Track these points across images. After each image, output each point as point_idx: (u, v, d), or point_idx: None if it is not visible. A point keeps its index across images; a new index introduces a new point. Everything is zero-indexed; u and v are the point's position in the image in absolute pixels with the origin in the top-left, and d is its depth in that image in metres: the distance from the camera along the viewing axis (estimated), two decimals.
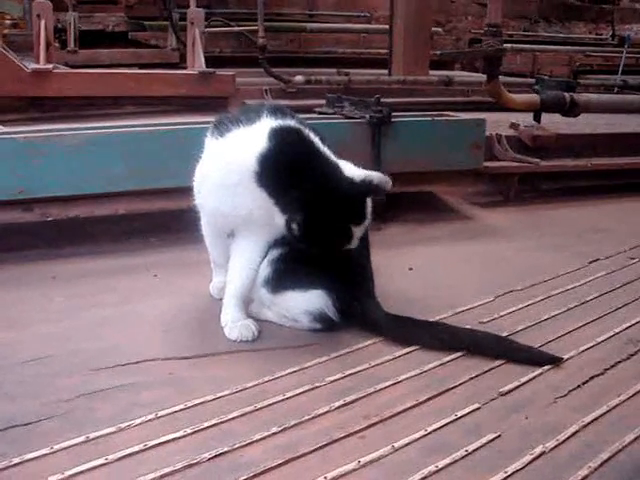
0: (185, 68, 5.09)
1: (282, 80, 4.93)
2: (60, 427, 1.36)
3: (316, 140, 1.74)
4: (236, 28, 6.42)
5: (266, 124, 1.71)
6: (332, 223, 1.67)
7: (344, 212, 1.69)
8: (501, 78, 3.66)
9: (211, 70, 4.59)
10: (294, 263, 1.75)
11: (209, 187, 1.77)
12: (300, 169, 1.67)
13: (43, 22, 4.65)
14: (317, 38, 7.12)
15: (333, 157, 1.75)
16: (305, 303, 1.78)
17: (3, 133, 2.55)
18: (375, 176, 1.72)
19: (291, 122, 1.75)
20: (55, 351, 1.68)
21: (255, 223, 1.73)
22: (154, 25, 6.53)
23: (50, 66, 4.33)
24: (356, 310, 1.80)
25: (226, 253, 1.86)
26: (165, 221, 2.53)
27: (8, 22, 6.47)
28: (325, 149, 1.74)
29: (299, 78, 4.88)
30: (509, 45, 6.56)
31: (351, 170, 1.74)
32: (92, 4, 6.61)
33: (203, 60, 4.74)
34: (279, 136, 1.69)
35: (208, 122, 1.88)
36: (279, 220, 1.69)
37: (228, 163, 1.72)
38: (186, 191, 1.89)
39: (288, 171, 1.66)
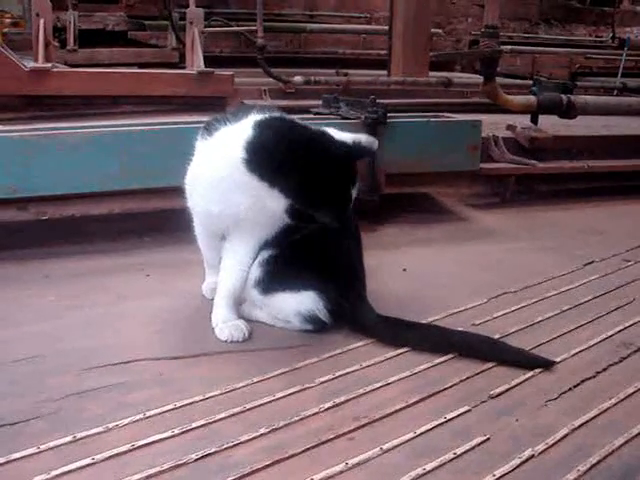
0: (184, 68, 5.10)
1: (281, 80, 4.93)
2: (48, 427, 1.36)
3: (299, 120, 1.75)
4: (236, 28, 6.42)
5: (251, 119, 1.71)
6: (337, 189, 1.68)
7: (345, 175, 1.70)
8: (501, 80, 3.66)
9: (210, 70, 4.59)
10: (285, 264, 1.75)
11: (199, 189, 1.77)
12: (291, 144, 1.65)
13: (42, 21, 4.65)
14: (317, 39, 7.13)
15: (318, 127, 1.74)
16: (296, 304, 1.77)
17: None
18: (362, 137, 1.75)
19: (275, 113, 1.75)
20: (46, 350, 1.68)
21: (246, 223, 1.73)
22: (154, 25, 6.54)
23: (49, 65, 4.33)
24: (347, 311, 1.80)
25: (219, 254, 1.85)
26: (160, 221, 2.53)
27: (8, 21, 6.47)
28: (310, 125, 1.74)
29: (298, 79, 4.87)
30: (509, 47, 6.57)
31: (339, 134, 1.74)
32: (92, 3, 6.62)
33: (202, 60, 4.73)
34: (263, 123, 1.68)
35: (205, 122, 1.88)
36: (277, 205, 1.66)
37: (216, 159, 1.71)
38: (181, 191, 1.88)
39: (278, 148, 1.64)
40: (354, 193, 1.72)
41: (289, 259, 1.73)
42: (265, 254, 1.76)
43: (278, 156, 1.64)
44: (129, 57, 5.92)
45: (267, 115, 1.72)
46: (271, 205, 1.67)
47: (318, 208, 1.66)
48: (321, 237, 1.73)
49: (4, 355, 1.65)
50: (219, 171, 1.69)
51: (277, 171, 1.64)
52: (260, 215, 1.70)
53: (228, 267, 1.80)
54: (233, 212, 1.72)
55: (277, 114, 1.75)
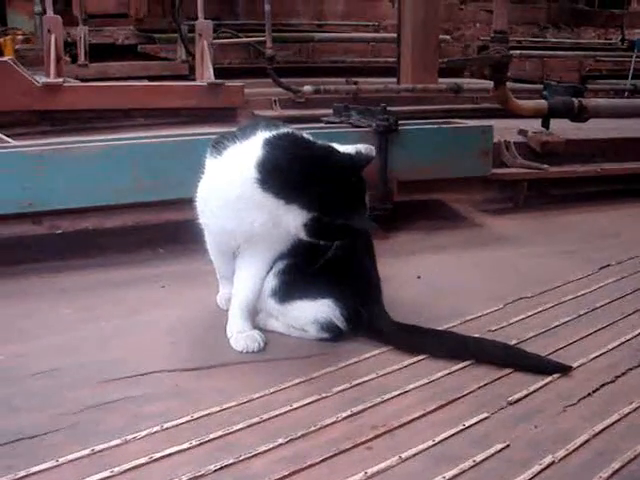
0: (194, 80, 5.13)
1: (291, 90, 4.95)
2: (66, 440, 1.36)
3: (307, 135, 1.76)
4: (244, 39, 6.46)
5: (260, 136, 1.71)
6: (355, 197, 1.70)
7: (358, 183, 1.71)
8: (511, 85, 3.65)
9: (220, 81, 4.62)
10: (301, 274, 1.75)
11: (212, 207, 1.77)
12: (303, 160, 1.67)
13: (53, 37, 4.70)
14: (325, 48, 7.15)
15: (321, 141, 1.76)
16: (313, 313, 1.77)
17: (12, 146, 2.57)
18: (361, 147, 1.76)
19: (283, 129, 1.76)
20: (63, 363, 1.68)
21: (260, 238, 1.73)
22: (163, 38, 6.59)
23: (60, 80, 4.38)
24: (364, 319, 1.79)
25: (232, 267, 1.86)
26: (174, 232, 2.53)
27: (20, 37, 6.54)
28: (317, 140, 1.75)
29: (308, 88, 4.89)
30: (518, 51, 6.57)
31: (341, 147, 1.75)
32: (102, 18, 6.67)
33: (212, 71, 4.77)
34: (272, 142, 1.70)
35: (217, 133, 1.88)
36: (295, 220, 1.66)
37: (227, 178, 1.72)
38: (194, 202, 1.89)
39: (291, 165, 1.66)
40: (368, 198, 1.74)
41: (305, 268, 1.73)
42: (281, 264, 1.76)
43: (293, 172, 1.65)
44: (139, 70, 5.97)
45: (275, 132, 1.73)
46: (287, 221, 1.68)
47: (347, 216, 1.67)
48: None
49: (22, 369, 1.65)
50: (232, 191, 1.70)
51: (294, 187, 1.65)
52: (274, 231, 1.71)
53: (242, 279, 1.80)
54: (247, 229, 1.72)
55: (284, 130, 1.75)
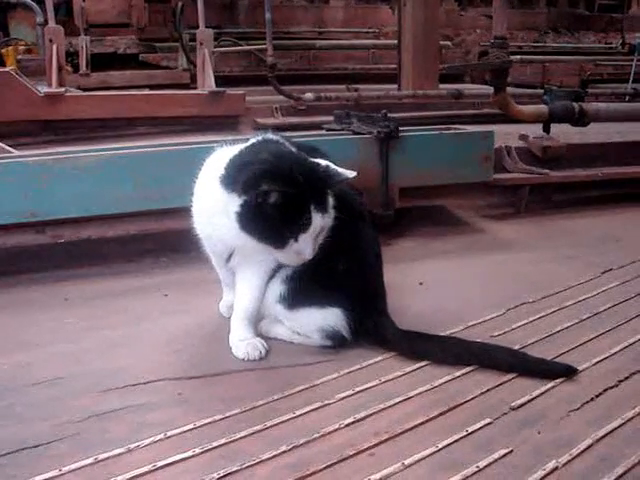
0: (196, 88, 5.14)
1: (292, 98, 4.96)
2: (70, 449, 1.36)
3: (293, 145, 1.75)
4: (245, 47, 6.48)
5: (245, 141, 1.74)
6: (289, 203, 1.60)
7: (304, 193, 1.62)
8: (511, 89, 3.65)
9: (221, 89, 4.63)
10: (309, 281, 1.74)
11: (196, 215, 1.80)
12: (257, 155, 1.67)
13: (55, 46, 4.72)
14: (326, 55, 7.17)
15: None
16: (320, 320, 1.77)
17: (15, 156, 2.58)
18: (339, 168, 1.70)
19: (269, 135, 1.77)
20: (66, 372, 1.69)
21: (245, 250, 1.72)
22: (164, 47, 6.62)
23: (62, 89, 4.39)
24: (368, 326, 1.79)
25: (231, 273, 1.87)
26: (176, 241, 2.53)
27: (22, 48, 6.56)
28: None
29: (309, 95, 4.90)
30: (518, 56, 6.58)
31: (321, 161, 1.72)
32: (103, 27, 6.71)
33: (213, 80, 4.78)
34: (249, 145, 1.72)
35: (218, 142, 1.89)
36: (232, 209, 1.63)
37: (202, 181, 1.75)
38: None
39: (247, 160, 1.66)
40: (320, 217, 1.64)
41: (314, 275, 1.72)
42: (288, 270, 1.75)
43: (240, 164, 1.65)
44: (141, 79, 5.99)
45: (260, 137, 1.75)
46: (230, 212, 1.64)
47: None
48: (345, 252, 1.73)
49: (25, 378, 1.66)
50: (204, 193, 1.74)
51: (235, 173, 1.64)
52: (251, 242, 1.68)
53: (242, 289, 1.81)
54: (221, 236, 1.73)
55: (270, 135, 1.77)
